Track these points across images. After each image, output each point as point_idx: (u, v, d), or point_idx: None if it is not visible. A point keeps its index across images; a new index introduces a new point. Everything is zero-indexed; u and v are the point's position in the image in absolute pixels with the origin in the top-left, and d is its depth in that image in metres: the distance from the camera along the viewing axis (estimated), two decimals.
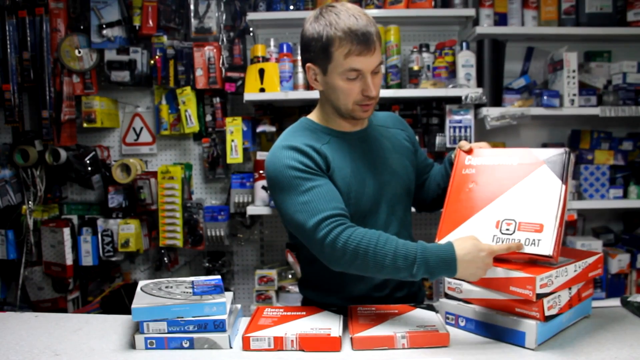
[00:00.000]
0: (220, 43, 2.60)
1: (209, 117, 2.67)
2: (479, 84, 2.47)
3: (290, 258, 2.55)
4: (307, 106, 2.61)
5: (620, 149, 2.58)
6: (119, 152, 2.79)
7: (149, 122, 2.77)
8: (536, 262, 1.18)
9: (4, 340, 1.25)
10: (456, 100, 2.45)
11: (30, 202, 2.67)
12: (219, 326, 1.18)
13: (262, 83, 2.46)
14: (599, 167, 2.50)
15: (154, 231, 2.70)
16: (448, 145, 2.47)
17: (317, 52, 1.28)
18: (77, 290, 2.73)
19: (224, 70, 2.59)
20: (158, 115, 2.71)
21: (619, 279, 2.51)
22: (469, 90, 2.40)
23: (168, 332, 1.17)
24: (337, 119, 1.38)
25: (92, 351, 1.18)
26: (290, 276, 2.60)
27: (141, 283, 1.33)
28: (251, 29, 2.62)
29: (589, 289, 1.30)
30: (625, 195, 2.52)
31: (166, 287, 1.30)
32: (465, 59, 2.45)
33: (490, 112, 2.43)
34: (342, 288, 1.39)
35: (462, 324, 1.26)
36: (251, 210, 2.50)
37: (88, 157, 2.63)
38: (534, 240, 1.16)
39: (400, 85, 2.48)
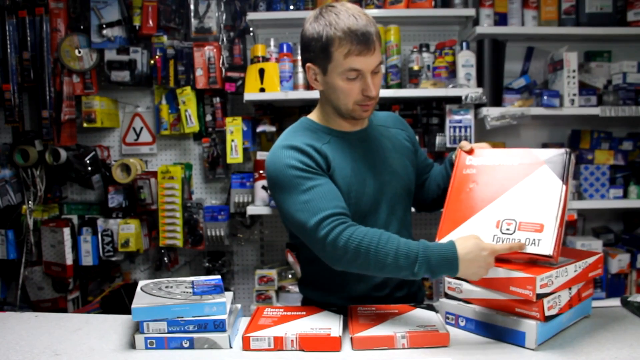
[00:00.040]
0: (220, 43, 2.60)
1: (209, 117, 2.67)
2: (479, 84, 2.47)
3: (290, 258, 2.54)
4: (307, 106, 2.61)
5: (621, 149, 2.58)
6: (119, 152, 2.79)
7: (149, 122, 2.77)
8: (536, 262, 1.18)
9: (4, 340, 1.25)
10: (456, 100, 2.45)
11: (30, 202, 2.67)
12: (219, 326, 1.18)
13: (262, 83, 2.46)
14: (599, 167, 2.50)
15: (154, 231, 2.70)
16: (448, 145, 2.47)
17: (317, 52, 1.28)
18: (77, 290, 2.73)
19: (224, 70, 2.59)
20: (158, 115, 2.71)
21: (619, 279, 2.51)
22: (469, 90, 2.40)
23: (168, 332, 1.17)
24: (337, 119, 1.38)
25: (92, 351, 1.18)
26: (290, 276, 2.60)
27: (141, 283, 1.33)
28: (251, 28, 2.62)
29: (589, 289, 1.30)
30: (625, 195, 2.52)
31: (166, 287, 1.30)
32: (465, 58, 2.45)
33: (490, 112, 2.43)
34: (342, 288, 1.39)
35: (462, 324, 1.26)
36: (251, 210, 2.50)
37: (88, 157, 2.63)
38: (534, 240, 1.16)
39: (400, 85, 2.48)
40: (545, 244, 1.15)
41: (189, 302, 1.19)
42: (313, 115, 1.43)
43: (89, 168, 2.63)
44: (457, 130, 2.46)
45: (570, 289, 1.21)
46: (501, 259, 1.19)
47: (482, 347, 1.17)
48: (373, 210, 1.37)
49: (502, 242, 1.19)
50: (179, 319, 1.17)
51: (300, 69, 2.48)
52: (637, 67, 2.48)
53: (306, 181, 1.26)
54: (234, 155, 2.54)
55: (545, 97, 2.40)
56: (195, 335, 1.17)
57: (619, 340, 1.18)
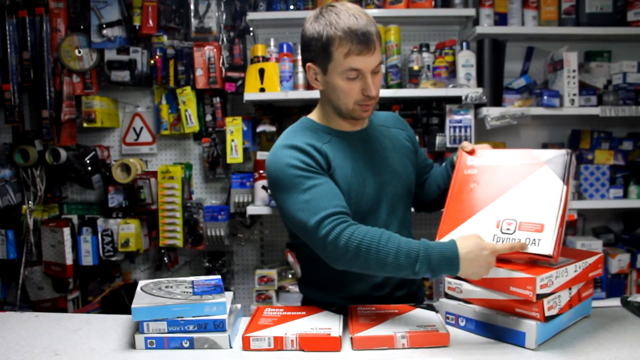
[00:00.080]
0: (220, 43, 2.60)
1: (209, 117, 2.66)
2: (479, 83, 2.47)
3: (290, 258, 2.55)
4: (307, 106, 2.61)
5: (621, 148, 2.57)
6: (119, 151, 2.79)
7: (149, 121, 2.77)
8: (536, 262, 1.18)
9: (4, 340, 1.25)
10: (456, 100, 2.45)
11: (30, 202, 2.67)
12: (219, 326, 1.18)
13: (262, 83, 2.46)
14: (599, 167, 2.50)
15: (154, 231, 2.70)
16: (448, 145, 2.47)
17: (317, 51, 1.28)
18: (77, 290, 2.73)
19: (224, 70, 2.59)
20: (158, 115, 2.71)
21: (619, 279, 2.51)
22: (469, 90, 2.40)
23: (168, 332, 1.17)
24: (338, 119, 1.38)
25: (92, 351, 1.18)
26: (290, 276, 2.60)
27: (141, 283, 1.33)
28: (251, 28, 2.62)
29: (589, 289, 1.30)
30: (625, 195, 2.52)
31: (166, 287, 1.30)
32: (466, 58, 2.45)
33: (491, 112, 2.43)
34: (342, 287, 1.39)
35: (462, 324, 1.26)
36: (251, 210, 2.50)
37: (88, 157, 2.63)
38: (534, 239, 1.16)
39: (400, 85, 2.48)
40: (546, 244, 1.15)
41: (189, 302, 1.19)
42: (313, 115, 1.43)
43: (89, 168, 2.63)
44: (457, 130, 2.46)
45: (570, 289, 1.21)
46: (501, 260, 1.19)
47: (482, 347, 1.17)
48: (373, 210, 1.37)
49: (503, 241, 1.19)
50: (179, 319, 1.17)
51: (300, 69, 2.48)
52: (637, 67, 2.48)
53: (307, 180, 1.26)
54: (234, 155, 2.54)
55: (545, 97, 2.40)
56: (195, 335, 1.17)
57: (619, 340, 1.18)
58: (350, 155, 1.36)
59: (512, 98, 2.48)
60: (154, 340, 1.17)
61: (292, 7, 2.54)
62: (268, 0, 2.54)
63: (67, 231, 2.59)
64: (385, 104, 2.57)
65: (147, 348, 1.17)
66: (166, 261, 2.72)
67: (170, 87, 2.63)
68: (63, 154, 2.60)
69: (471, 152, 1.36)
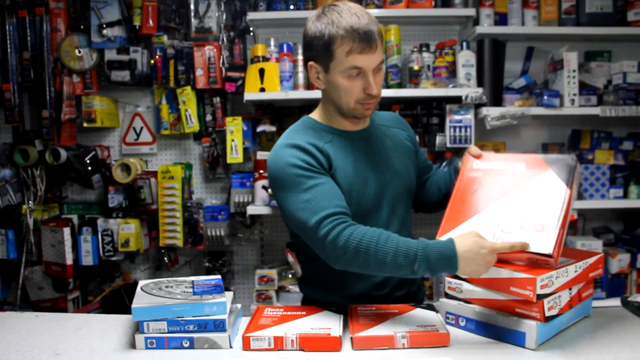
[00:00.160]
0: (220, 43, 2.60)
1: (209, 117, 2.66)
2: (479, 83, 2.47)
3: (291, 258, 2.55)
4: (307, 106, 2.61)
5: (621, 148, 2.57)
6: (119, 151, 2.79)
7: (149, 121, 2.77)
8: (536, 262, 1.17)
9: (4, 340, 1.25)
10: (456, 100, 2.45)
11: (30, 202, 2.67)
12: (219, 326, 1.18)
13: (262, 83, 2.46)
14: (599, 167, 2.50)
15: (154, 231, 2.70)
16: (448, 145, 2.47)
17: (319, 50, 1.29)
18: (77, 290, 2.73)
19: (224, 70, 2.58)
20: (158, 115, 2.71)
21: (619, 279, 2.51)
22: (469, 90, 2.40)
23: (168, 332, 1.17)
24: (339, 118, 1.38)
25: (92, 351, 1.18)
26: (290, 276, 2.60)
27: (141, 283, 1.33)
28: (251, 28, 2.62)
29: (589, 289, 1.30)
30: (625, 195, 2.52)
31: (166, 286, 1.30)
32: (466, 58, 2.45)
33: (491, 112, 2.43)
34: (342, 286, 1.39)
35: (463, 324, 1.26)
36: (251, 210, 2.50)
37: (88, 157, 2.63)
38: (535, 239, 1.16)
39: (400, 85, 2.48)
40: (546, 243, 1.15)
41: (189, 302, 1.19)
42: (315, 114, 1.44)
43: (89, 168, 2.63)
44: (457, 130, 2.45)
45: (570, 289, 1.21)
46: (501, 260, 1.19)
47: (482, 347, 1.17)
48: (374, 209, 1.37)
49: (503, 241, 1.19)
50: (179, 318, 1.17)
51: (300, 68, 2.48)
52: (637, 67, 2.48)
53: (308, 180, 1.26)
54: (234, 155, 2.54)
55: (545, 97, 2.40)
56: (195, 335, 1.17)
57: (619, 340, 1.18)
58: (352, 155, 1.36)
59: (512, 98, 2.48)
60: (154, 340, 1.17)
61: (292, 7, 2.54)
62: (268, 0, 2.54)
63: (67, 231, 2.59)
64: (385, 104, 2.57)
65: (147, 348, 1.17)
66: (166, 261, 2.72)
67: (171, 87, 2.63)
68: (63, 153, 2.60)
69: (478, 157, 1.36)
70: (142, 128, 2.76)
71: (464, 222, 1.26)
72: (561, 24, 2.53)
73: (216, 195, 2.79)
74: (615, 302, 1.67)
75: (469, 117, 2.45)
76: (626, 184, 2.53)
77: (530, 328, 1.13)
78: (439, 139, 2.51)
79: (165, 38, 2.62)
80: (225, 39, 2.62)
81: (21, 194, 2.69)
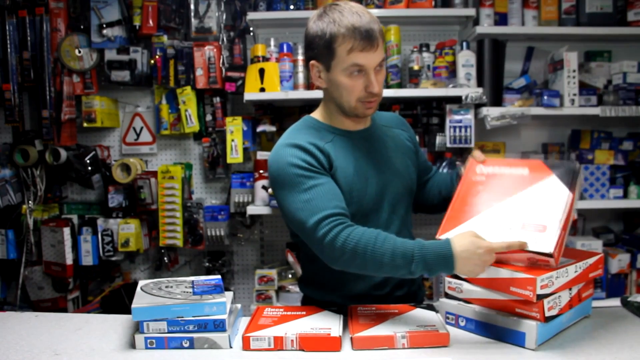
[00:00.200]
0: (220, 43, 2.60)
1: (209, 117, 2.66)
2: (479, 83, 2.47)
3: (290, 258, 2.55)
4: (307, 106, 2.61)
5: (621, 148, 2.57)
6: (119, 151, 2.79)
7: (149, 121, 2.77)
8: (536, 263, 1.17)
9: (4, 340, 1.25)
10: (456, 100, 2.45)
11: (30, 202, 2.67)
12: (219, 326, 1.18)
13: (262, 83, 2.46)
14: (599, 167, 2.50)
15: (154, 231, 2.70)
16: (448, 145, 2.47)
17: (320, 48, 1.29)
18: (77, 289, 2.73)
19: (224, 70, 2.58)
20: (158, 115, 2.71)
21: (619, 279, 2.51)
22: (469, 90, 2.40)
23: (168, 332, 1.17)
24: (341, 117, 1.39)
25: (92, 351, 1.18)
26: (290, 276, 2.60)
27: (141, 283, 1.33)
28: (251, 28, 2.62)
29: (589, 289, 1.30)
30: (625, 195, 2.52)
31: (166, 286, 1.30)
32: (466, 58, 2.45)
33: (491, 112, 2.43)
34: (342, 286, 1.39)
35: (462, 324, 1.26)
36: (251, 210, 2.50)
37: (88, 157, 2.63)
38: (536, 238, 1.16)
39: (400, 85, 2.48)
40: (547, 243, 1.14)
41: (189, 302, 1.19)
42: (316, 114, 1.44)
43: (89, 168, 2.63)
44: (457, 130, 2.45)
45: (570, 289, 1.21)
46: (502, 261, 1.19)
47: (482, 347, 1.17)
48: (375, 209, 1.37)
49: (504, 240, 1.19)
50: (179, 318, 1.17)
51: (300, 68, 2.48)
52: (637, 67, 2.47)
53: (308, 180, 1.26)
54: (234, 155, 2.54)
55: (545, 97, 2.40)
56: (195, 335, 1.17)
57: (619, 340, 1.18)
58: (353, 155, 1.36)
59: (512, 98, 2.48)
60: (154, 340, 1.17)
61: (292, 7, 2.54)
62: (268, 0, 2.53)
63: (67, 231, 2.59)
64: (385, 104, 2.57)
65: (147, 348, 1.17)
66: (166, 261, 2.72)
67: (170, 87, 2.63)
68: (63, 153, 2.60)
69: (481, 162, 1.37)
70: (142, 128, 2.76)
71: (465, 221, 1.26)
72: (561, 24, 2.53)
73: (216, 195, 2.79)
74: (615, 302, 1.67)
75: (469, 117, 2.45)
76: (626, 184, 2.53)
77: (530, 328, 1.13)
78: (439, 139, 2.51)
79: (165, 38, 2.62)
80: (225, 39, 2.62)
81: (21, 194, 2.69)
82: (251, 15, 2.50)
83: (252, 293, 2.64)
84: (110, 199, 2.66)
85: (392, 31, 2.47)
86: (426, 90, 2.42)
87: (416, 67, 2.49)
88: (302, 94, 2.45)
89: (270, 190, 2.43)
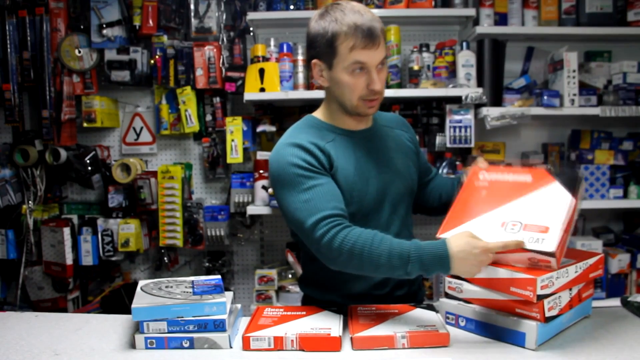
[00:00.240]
0: (220, 43, 2.60)
1: (209, 117, 2.66)
2: (479, 83, 2.47)
3: (291, 258, 2.55)
4: (307, 106, 2.61)
5: (621, 149, 2.57)
6: (119, 151, 2.79)
7: (149, 121, 2.77)
8: (537, 264, 1.17)
9: (4, 340, 1.25)
10: (456, 100, 2.45)
11: (30, 202, 2.67)
12: (219, 326, 1.18)
13: (262, 83, 2.46)
14: (599, 167, 2.50)
15: (154, 231, 2.70)
16: (448, 145, 2.47)
17: (322, 47, 1.30)
18: (77, 290, 2.73)
19: (224, 70, 2.58)
20: (158, 115, 2.71)
21: (619, 279, 2.51)
22: (469, 90, 2.40)
23: (168, 332, 1.17)
24: (343, 117, 1.39)
25: (92, 351, 1.18)
26: (290, 276, 2.60)
27: (141, 283, 1.33)
28: (251, 28, 2.62)
29: (590, 290, 1.30)
30: (625, 195, 2.51)
31: (166, 286, 1.30)
32: (466, 58, 2.45)
33: (491, 112, 2.43)
34: (342, 285, 1.39)
35: (462, 324, 1.26)
36: (251, 210, 2.50)
37: (88, 157, 2.63)
38: (537, 238, 1.15)
39: (400, 85, 2.48)
40: (549, 242, 1.14)
41: (189, 302, 1.19)
42: (318, 113, 1.44)
43: (89, 168, 2.63)
44: (457, 130, 2.45)
45: (570, 289, 1.21)
46: (502, 262, 1.19)
47: (482, 347, 1.17)
48: (376, 209, 1.37)
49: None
50: (179, 318, 1.17)
51: (300, 68, 2.48)
52: (637, 67, 2.47)
53: (307, 180, 1.27)
54: (234, 155, 2.54)
55: (545, 97, 2.40)
56: (195, 335, 1.17)
57: (619, 340, 1.18)
58: (354, 155, 1.36)
59: (512, 98, 2.48)
60: (154, 340, 1.17)
61: (292, 7, 2.54)
62: (268, 0, 2.53)
63: (67, 231, 2.59)
64: (385, 104, 2.57)
65: (147, 348, 1.17)
66: (166, 261, 2.72)
67: (170, 87, 2.63)
68: (63, 153, 2.60)
69: (485, 169, 1.37)
70: (142, 128, 2.76)
71: (466, 222, 1.26)
72: (561, 24, 2.53)
73: (216, 195, 2.79)
74: (615, 302, 1.67)
75: (469, 117, 2.45)
76: (626, 184, 2.53)
77: (530, 328, 1.13)
78: (438, 139, 2.52)
79: (165, 38, 2.62)
80: (225, 39, 2.62)
81: (21, 194, 2.69)
82: (251, 15, 2.50)
83: (252, 293, 2.64)
84: (110, 199, 2.66)
85: (392, 31, 2.47)
86: (426, 90, 2.42)
87: (416, 67, 2.49)
88: (302, 94, 2.45)
89: (270, 190, 2.43)
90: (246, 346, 1.16)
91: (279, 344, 1.16)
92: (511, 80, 2.59)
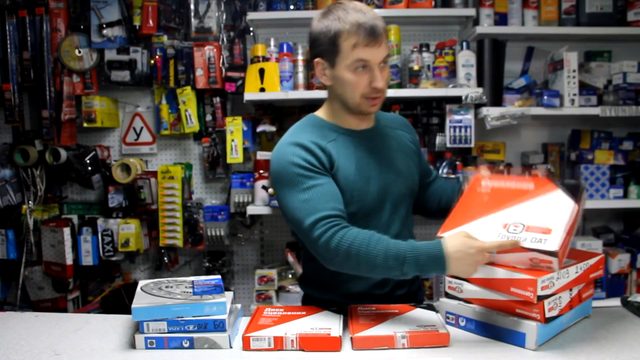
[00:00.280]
0: (220, 43, 2.60)
1: (209, 117, 2.66)
2: (479, 83, 2.47)
3: (291, 258, 2.55)
4: (307, 106, 2.61)
5: (621, 148, 2.57)
6: (119, 151, 2.79)
7: (149, 121, 2.76)
8: (538, 265, 1.16)
9: (4, 340, 1.25)
10: (456, 100, 2.45)
11: (30, 202, 2.67)
12: (219, 326, 1.18)
13: (262, 83, 2.46)
14: (599, 167, 2.50)
15: (154, 231, 2.70)
16: (448, 145, 2.47)
17: (325, 45, 1.31)
18: (77, 290, 2.73)
19: (224, 70, 2.58)
20: (158, 115, 2.71)
21: (619, 278, 2.51)
22: (469, 90, 2.40)
23: (168, 332, 1.17)
24: (345, 116, 1.39)
25: (92, 351, 1.18)
26: (290, 276, 2.60)
27: (141, 283, 1.33)
28: (251, 28, 2.62)
29: (590, 290, 1.30)
30: (625, 195, 2.51)
31: (166, 286, 1.30)
32: (466, 58, 2.45)
33: (491, 112, 2.43)
34: (342, 285, 1.40)
35: (462, 323, 1.26)
36: (251, 210, 2.50)
37: (88, 157, 2.63)
38: (540, 239, 1.15)
39: (400, 85, 2.49)
40: (551, 242, 1.13)
41: (189, 302, 1.19)
42: (321, 112, 1.45)
43: (89, 168, 2.63)
44: (457, 130, 2.45)
45: (571, 290, 1.21)
46: (504, 263, 1.18)
47: (482, 347, 1.17)
48: (376, 209, 1.38)
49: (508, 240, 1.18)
50: (179, 318, 1.17)
51: (300, 68, 2.48)
52: (637, 67, 2.47)
53: (307, 180, 1.27)
54: (234, 155, 2.54)
55: (545, 97, 2.40)
56: (195, 335, 1.17)
57: (619, 340, 1.18)
58: (355, 154, 1.37)
59: (512, 98, 2.48)
60: (154, 340, 1.17)
61: (292, 7, 2.54)
62: (268, 0, 2.53)
63: (67, 231, 2.59)
64: (385, 104, 2.56)
65: (147, 348, 1.17)
66: (166, 261, 2.72)
67: (170, 87, 2.63)
68: (63, 154, 2.60)
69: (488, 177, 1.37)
70: (142, 128, 2.76)
71: (468, 222, 1.25)
72: (561, 24, 2.53)
73: (216, 195, 2.79)
74: (615, 302, 1.67)
75: (469, 117, 2.45)
76: (626, 184, 2.53)
77: (530, 329, 1.13)
78: (438, 139, 2.52)
79: (165, 38, 2.62)
80: (225, 39, 2.62)
81: (21, 194, 2.69)
82: (251, 15, 2.50)
83: (252, 293, 2.64)
84: (110, 199, 2.66)
85: (392, 31, 2.47)
86: (426, 90, 2.42)
87: (416, 67, 2.49)
88: (302, 94, 2.45)
89: (270, 190, 2.43)
90: (246, 346, 1.16)
91: (279, 344, 1.16)
92: (511, 80, 2.59)
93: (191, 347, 1.17)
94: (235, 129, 2.53)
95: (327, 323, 1.22)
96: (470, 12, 2.48)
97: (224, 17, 2.62)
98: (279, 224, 2.78)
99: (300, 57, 2.48)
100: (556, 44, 2.56)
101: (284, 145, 1.34)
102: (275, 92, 2.44)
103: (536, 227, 1.18)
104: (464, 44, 2.48)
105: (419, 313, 1.30)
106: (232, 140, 2.53)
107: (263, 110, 2.58)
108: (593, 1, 2.49)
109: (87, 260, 2.63)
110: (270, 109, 2.59)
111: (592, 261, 1.27)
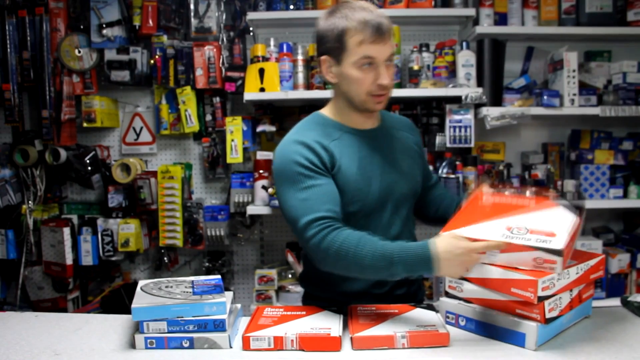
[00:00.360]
0: (220, 43, 2.60)
1: (209, 117, 2.66)
2: (479, 83, 2.47)
3: (290, 258, 2.55)
4: (307, 106, 2.61)
5: (621, 148, 2.57)
6: (119, 151, 2.79)
7: (149, 121, 2.76)
8: (542, 265, 1.15)
9: (4, 340, 1.25)
10: (456, 100, 2.45)
11: (30, 202, 2.67)
12: (219, 326, 1.18)
13: (262, 83, 2.46)
14: (599, 167, 2.50)
15: (154, 231, 2.70)
16: (448, 145, 2.47)
17: (331, 42, 1.32)
18: (77, 290, 2.73)
19: (224, 70, 2.58)
20: (158, 115, 2.71)
21: (619, 278, 2.51)
22: (469, 90, 2.40)
23: (168, 332, 1.17)
24: (350, 114, 1.40)
25: (92, 351, 1.18)
26: (290, 276, 2.60)
27: (141, 283, 1.33)
28: (251, 28, 2.62)
29: (590, 290, 1.30)
30: (625, 195, 2.52)
31: (166, 286, 1.30)
32: (465, 58, 2.45)
33: (490, 112, 2.43)
34: (341, 284, 1.40)
35: (462, 323, 1.26)
36: (251, 210, 2.50)
37: (88, 157, 2.63)
38: (545, 240, 1.14)
39: (400, 85, 2.49)
40: (557, 242, 1.13)
41: (189, 302, 1.19)
42: (326, 110, 1.45)
43: (89, 168, 2.63)
44: (457, 130, 2.45)
45: (571, 290, 1.21)
46: (506, 264, 1.18)
47: (482, 347, 1.17)
48: (378, 209, 1.38)
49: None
50: (179, 318, 1.17)
51: (300, 68, 2.48)
52: (637, 67, 2.47)
53: (307, 179, 1.28)
54: (234, 155, 2.54)
55: (545, 97, 2.40)
56: (195, 335, 1.17)
57: (619, 340, 1.18)
58: (358, 153, 1.37)
59: (512, 98, 2.48)
60: (154, 340, 1.17)
61: (292, 7, 2.54)
62: (268, 0, 2.53)
63: (67, 231, 2.59)
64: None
65: (147, 348, 1.17)
66: (166, 261, 2.72)
67: (170, 87, 2.63)
68: (63, 153, 2.60)
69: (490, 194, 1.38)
70: (141, 128, 2.76)
71: (472, 224, 1.24)
72: (561, 24, 2.53)
73: (216, 195, 2.79)
74: (615, 302, 1.67)
75: (468, 117, 2.45)
76: (626, 184, 2.53)
77: (530, 329, 1.13)
78: (438, 139, 2.52)
79: (165, 38, 2.62)
80: (225, 39, 2.62)
81: (21, 194, 2.69)
82: (251, 15, 2.50)
83: (252, 293, 2.64)
84: (110, 199, 2.66)
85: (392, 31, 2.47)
86: (426, 90, 2.42)
87: (416, 67, 2.49)
88: (302, 94, 2.45)
89: (270, 190, 2.43)
90: (246, 346, 1.16)
91: (279, 343, 1.16)
92: (511, 80, 2.59)
93: (191, 347, 1.17)
94: (235, 128, 2.53)
95: (327, 323, 1.22)
96: (470, 12, 2.48)
97: (224, 17, 2.62)
98: (279, 224, 2.78)
99: (300, 57, 2.48)
100: (556, 44, 2.56)
101: (288, 142, 1.35)
102: (275, 92, 2.44)
103: (540, 231, 1.17)
104: (464, 44, 2.48)
105: (418, 313, 1.30)
106: (232, 140, 2.53)
107: (263, 110, 2.58)
108: (593, 1, 2.49)
109: (87, 260, 2.63)
110: (270, 109, 2.59)
111: (592, 262, 1.26)
